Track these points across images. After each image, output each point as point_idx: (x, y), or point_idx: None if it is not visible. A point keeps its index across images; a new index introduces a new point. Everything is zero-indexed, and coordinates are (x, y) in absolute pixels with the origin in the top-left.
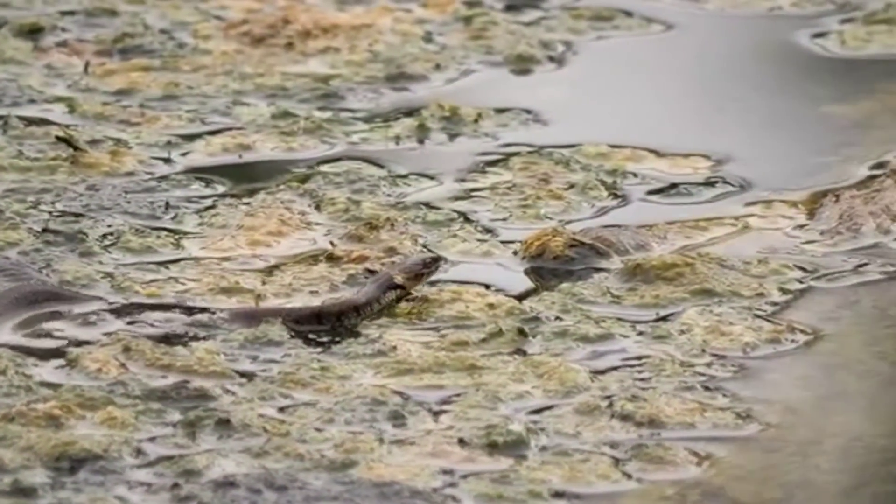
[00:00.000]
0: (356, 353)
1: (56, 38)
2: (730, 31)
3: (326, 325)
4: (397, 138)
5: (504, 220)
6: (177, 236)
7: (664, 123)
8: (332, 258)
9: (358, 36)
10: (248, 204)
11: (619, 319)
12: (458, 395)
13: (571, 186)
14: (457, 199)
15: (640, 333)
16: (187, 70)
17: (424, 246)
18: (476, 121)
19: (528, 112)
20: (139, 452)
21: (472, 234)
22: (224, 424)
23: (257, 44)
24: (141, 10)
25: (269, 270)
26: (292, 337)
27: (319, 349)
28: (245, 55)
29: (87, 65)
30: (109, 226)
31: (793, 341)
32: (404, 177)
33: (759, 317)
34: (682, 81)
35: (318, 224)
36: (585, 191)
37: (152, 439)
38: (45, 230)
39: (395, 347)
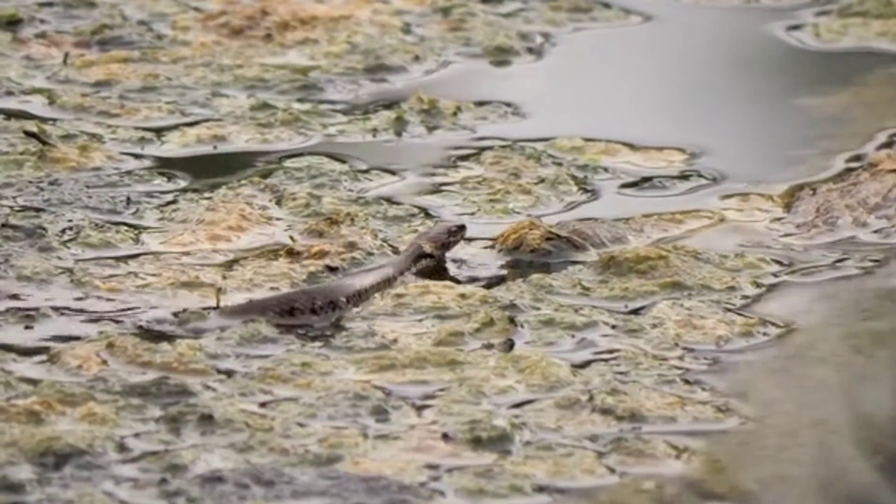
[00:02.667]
0: (355, 347)
1: (35, 30)
2: (706, 23)
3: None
4: (375, 130)
5: (472, 214)
6: (137, 231)
7: (640, 116)
8: (291, 253)
9: (336, 27)
10: (209, 199)
11: (580, 310)
12: (441, 389)
13: (541, 181)
14: (424, 193)
15: (614, 327)
16: (166, 61)
17: (384, 241)
18: (455, 114)
19: (507, 105)
20: (123, 448)
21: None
22: (207, 420)
23: (236, 35)
24: (119, 2)
25: (229, 265)
26: (280, 333)
27: (305, 344)
28: (224, 47)
29: (66, 56)
30: (70, 221)
31: (765, 334)
32: (366, 171)
33: (729, 310)
34: (658, 74)
35: (278, 219)
36: (555, 185)
37: (136, 435)
38: (3, 225)
39: (396, 340)
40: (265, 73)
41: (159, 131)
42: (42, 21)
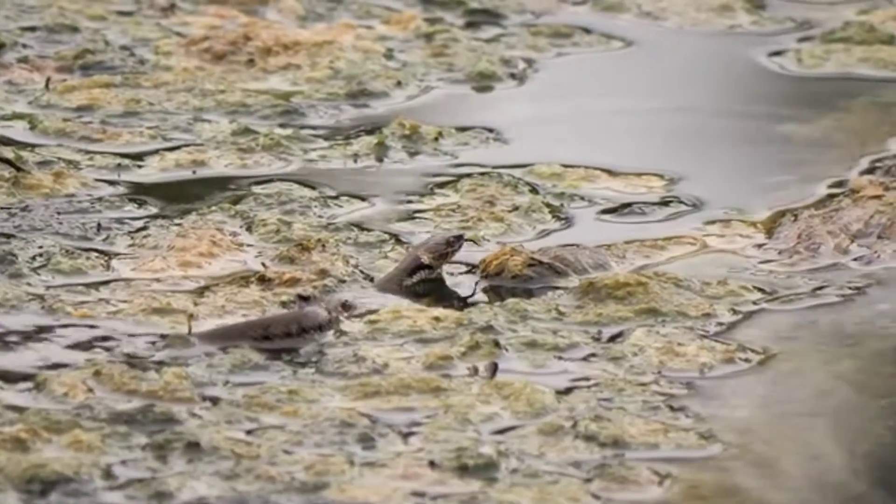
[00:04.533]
0: (342, 374)
1: (17, 55)
2: (688, 48)
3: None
4: (356, 156)
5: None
6: (107, 258)
7: (620, 142)
8: (263, 280)
9: (319, 53)
10: (179, 225)
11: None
12: (427, 416)
13: (515, 209)
14: (396, 220)
15: (594, 355)
16: (148, 86)
17: (356, 266)
18: (436, 139)
19: (489, 130)
20: (110, 475)
21: (404, 255)
22: (193, 447)
23: (218, 60)
24: (102, 27)
25: (201, 292)
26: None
27: (293, 371)
28: (206, 72)
29: (48, 81)
30: (40, 247)
31: (745, 361)
32: (335, 198)
33: (705, 337)
34: (639, 99)
35: (249, 245)
36: (528, 213)
37: (123, 462)
38: None
39: (386, 365)
40: (247, 99)
41: (140, 156)
42: (24, 46)
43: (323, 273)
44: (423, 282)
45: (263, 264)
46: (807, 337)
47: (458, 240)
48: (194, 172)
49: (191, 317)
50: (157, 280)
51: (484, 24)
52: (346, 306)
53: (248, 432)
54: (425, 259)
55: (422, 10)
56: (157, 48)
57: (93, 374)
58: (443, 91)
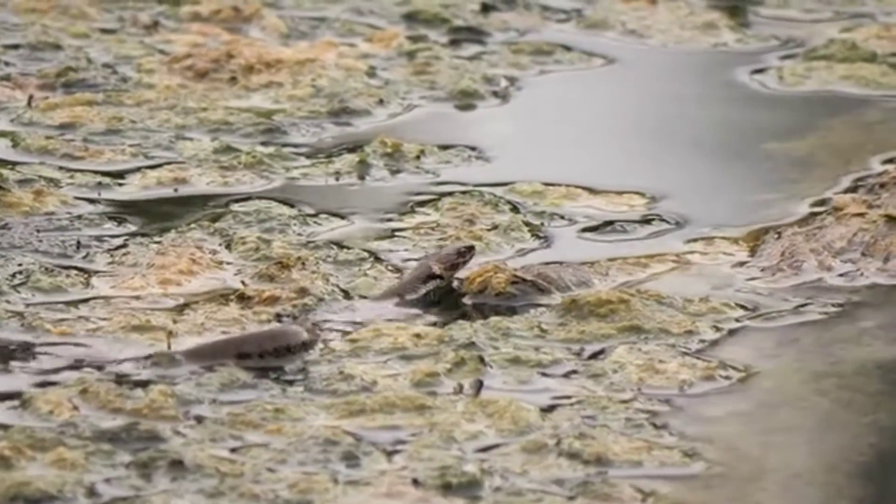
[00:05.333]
0: (327, 391)
1: (0, 73)
2: (671, 66)
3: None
4: (338, 174)
5: (418, 260)
6: (87, 275)
7: (602, 160)
8: (243, 298)
9: (301, 71)
10: (158, 242)
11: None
12: (412, 434)
13: (495, 227)
14: (376, 238)
15: (572, 372)
16: (131, 104)
17: (335, 285)
18: (418, 157)
19: (471, 149)
20: (93, 493)
21: (384, 273)
22: (177, 465)
23: (201, 78)
24: (85, 45)
25: (180, 309)
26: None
27: (280, 389)
28: (188, 89)
29: (30, 99)
30: (20, 265)
31: (726, 378)
32: (315, 215)
33: (687, 354)
34: (621, 117)
35: (228, 263)
36: (507, 232)
37: (106, 480)
38: None
39: (375, 382)
40: (229, 116)
41: (122, 174)
42: (7, 63)
43: (302, 291)
44: (435, 292)
45: (243, 282)
46: (790, 354)
47: (470, 250)
48: (176, 190)
49: (170, 334)
50: (137, 298)
51: (468, 42)
52: (314, 326)
53: (233, 450)
54: (436, 269)
55: (405, 27)
56: (139, 66)
57: (79, 391)
58: (425, 109)
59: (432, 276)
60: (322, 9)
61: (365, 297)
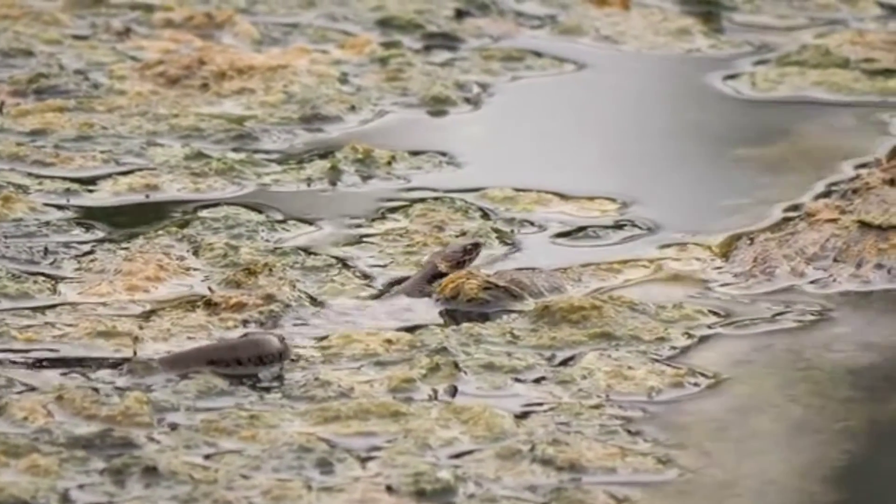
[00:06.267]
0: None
1: None
2: (644, 72)
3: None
4: (309, 180)
5: (385, 266)
6: (54, 282)
7: (574, 166)
8: (210, 304)
9: (274, 77)
10: (126, 249)
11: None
12: (388, 441)
13: (463, 234)
14: (343, 244)
15: (542, 378)
16: (102, 110)
17: (302, 291)
18: (389, 163)
19: (442, 154)
20: (67, 499)
21: (351, 279)
22: (151, 472)
23: (172, 85)
24: (57, 51)
25: (147, 316)
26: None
27: (258, 396)
28: (160, 96)
29: (1, 105)
30: None
31: (695, 385)
32: (284, 222)
33: (657, 361)
34: (593, 123)
35: (196, 270)
36: (475, 238)
37: (80, 487)
38: None
39: (352, 389)
40: (201, 123)
41: (93, 181)
42: None
43: (269, 297)
44: None
45: (210, 288)
46: (762, 360)
47: (476, 247)
48: (147, 197)
49: (136, 340)
50: (104, 304)
51: (442, 49)
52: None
53: (207, 457)
54: (442, 267)
55: (379, 33)
56: (111, 72)
57: (55, 398)
58: (397, 115)
59: (439, 275)
60: (296, 15)
61: (375, 298)
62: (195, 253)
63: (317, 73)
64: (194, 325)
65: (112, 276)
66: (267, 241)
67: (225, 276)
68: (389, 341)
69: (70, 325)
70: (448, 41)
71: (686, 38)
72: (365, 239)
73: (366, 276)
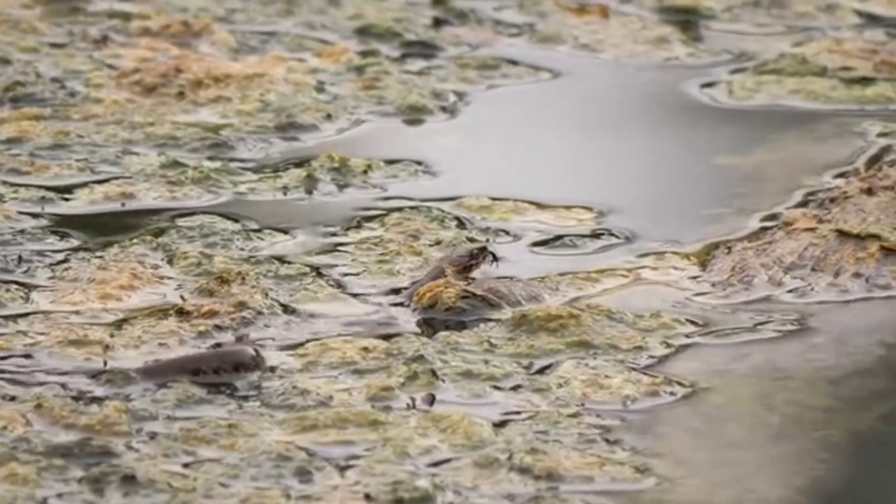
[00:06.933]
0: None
1: None
2: (621, 80)
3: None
4: (286, 188)
5: (358, 274)
6: (27, 290)
7: (551, 174)
8: (181, 312)
9: (250, 86)
10: (100, 257)
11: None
12: (366, 450)
13: (437, 243)
14: (317, 252)
15: (519, 386)
16: (78, 119)
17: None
18: (365, 172)
19: (418, 163)
20: None
21: (324, 287)
22: (129, 480)
23: (149, 93)
24: (34, 59)
25: (119, 324)
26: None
27: (236, 405)
28: (136, 104)
29: None
30: None
31: (671, 394)
32: (259, 231)
33: (634, 370)
34: (570, 131)
35: (169, 278)
36: (449, 247)
37: (59, 496)
38: None
39: (330, 397)
40: (176, 131)
41: (68, 189)
42: None
43: (241, 305)
44: None
45: (182, 297)
46: (740, 369)
47: (482, 252)
48: (123, 205)
49: (106, 348)
50: (76, 312)
51: (419, 57)
52: (239, 339)
53: (185, 465)
54: (449, 272)
55: (358, 42)
56: (87, 80)
57: (34, 406)
58: (373, 124)
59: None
60: (274, 23)
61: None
62: (169, 262)
63: (293, 81)
64: (166, 331)
65: (85, 284)
66: (241, 249)
67: (198, 284)
68: (366, 349)
69: (42, 334)
70: (426, 50)
71: (664, 46)
72: (339, 248)
73: (339, 285)
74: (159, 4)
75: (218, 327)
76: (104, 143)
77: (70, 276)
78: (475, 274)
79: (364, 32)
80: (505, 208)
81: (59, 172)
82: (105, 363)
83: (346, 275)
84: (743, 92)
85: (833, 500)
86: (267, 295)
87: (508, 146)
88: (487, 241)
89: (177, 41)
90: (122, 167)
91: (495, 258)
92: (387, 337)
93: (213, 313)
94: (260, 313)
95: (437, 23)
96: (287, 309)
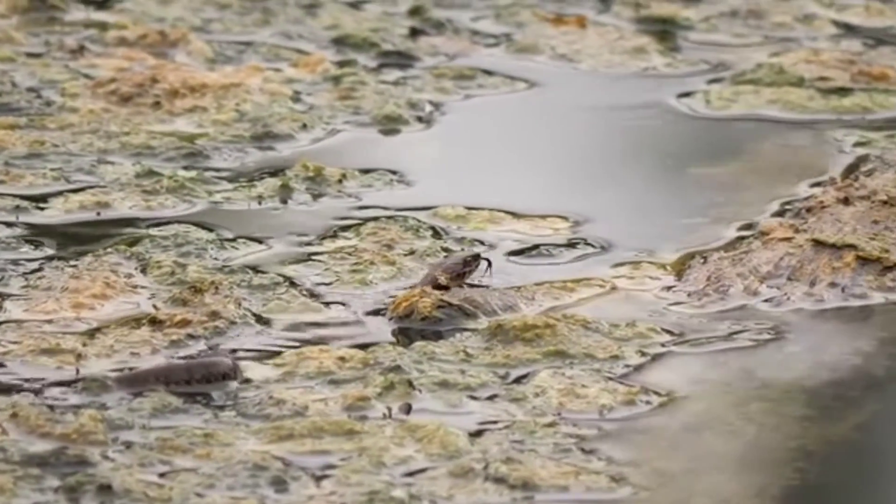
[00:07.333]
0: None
1: None
2: (598, 90)
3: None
4: (260, 198)
5: (330, 284)
6: (1, 299)
7: (527, 184)
8: (154, 322)
9: (226, 95)
10: (74, 266)
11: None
12: (342, 459)
13: (412, 252)
14: (291, 262)
15: (495, 396)
16: (53, 128)
17: (247, 309)
18: (340, 181)
19: (393, 173)
20: None
21: (297, 297)
22: (105, 490)
23: (125, 102)
24: (10, 69)
25: (91, 333)
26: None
27: (212, 414)
28: (112, 114)
29: None
30: None
31: (647, 403)
32: (233, 240)
33: (611, 379)
34: (547, 141)
35: (143, 287)
36: (423, 257)
37: None
38: None
39: (307, 407)
40: (152, 141)
41: (43, 198)
42: None
43: (214, 315)
44: None
45: (155, 306)
46: (716, 379)
47: (476, 259)
48: (98, 214)
49: (78, 357)
50: (49, 321)
51: (395, 67)
52: (212, 349)
53: (161, 475)
54: (442, 280)
55: (335, 52)
56: (63, 90)
57: (10, 415)
58: (349, 134)
59: (438, 287)
60: (251, 33)
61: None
62: (143, 271)
63: (269, 91)
64: (138, 340)
65: (59, 293)
66: (216, 259)
67: (172, 293)
68: (343, 359)
69: (14, 343)
70: (403, 60)
71: (642, 56)
72: (313, 257)
73: (312, 295)
74: (136, 14)
75: (191, 336)
76: (80, 153)
77: (43, 285)
78: (469, 281)
79: (341, 42)
80: (480, 218)
81: (34, 182)
82: (77, 371)
83: (319, 284)
84: (720, 102)
85: None
86: (240, 305)
87: (484, 156)
88: (481, 247)
89: (153, 51)
90: (98, 176)
91: (490, 265)
92: (363, 346)
93: (186, 323)
94: (233, 323)
95: (414, 33)
96: (260, 319)
